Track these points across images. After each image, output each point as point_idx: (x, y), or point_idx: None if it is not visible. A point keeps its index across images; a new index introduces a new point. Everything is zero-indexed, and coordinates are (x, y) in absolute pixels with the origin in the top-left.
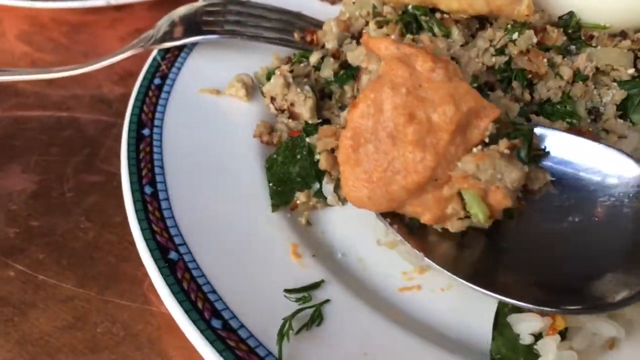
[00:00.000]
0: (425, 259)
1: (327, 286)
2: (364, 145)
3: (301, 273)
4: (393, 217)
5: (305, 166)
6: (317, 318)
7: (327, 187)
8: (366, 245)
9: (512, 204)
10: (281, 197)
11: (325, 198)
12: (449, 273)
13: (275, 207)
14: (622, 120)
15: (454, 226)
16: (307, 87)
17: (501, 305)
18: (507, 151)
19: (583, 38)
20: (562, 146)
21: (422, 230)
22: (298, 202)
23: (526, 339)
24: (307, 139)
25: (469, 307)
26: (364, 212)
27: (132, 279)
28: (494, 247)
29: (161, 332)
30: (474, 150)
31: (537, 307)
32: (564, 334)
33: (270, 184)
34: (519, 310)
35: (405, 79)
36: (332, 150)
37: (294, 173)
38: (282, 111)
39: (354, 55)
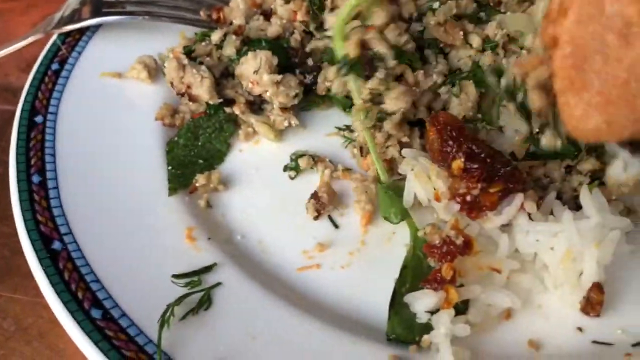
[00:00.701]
0: None
1: (220, 269)
2: (590, 59)
3: (194, 257)
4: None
5: (209, 147)
6: (205, 302)
7: None
8: (267, 226)
9: None
10: (180, 181)
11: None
12: None
13: (172, 190)
14: None
15: None
16: (203, 68)
17: (399, 285)
18: None
19: (492, 4)
20: None
21: None
22: (197, 184)
23: (423, 317)
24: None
25: (369, 286)
26: (266, 194)
27: (25, 272)
28: None
29: (53, 325)
30: None
31: None
32: (463, 309)
33: (170, 168)
34: (416, 289)
35: None
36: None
37: (196, 155)
38: (182, 94)
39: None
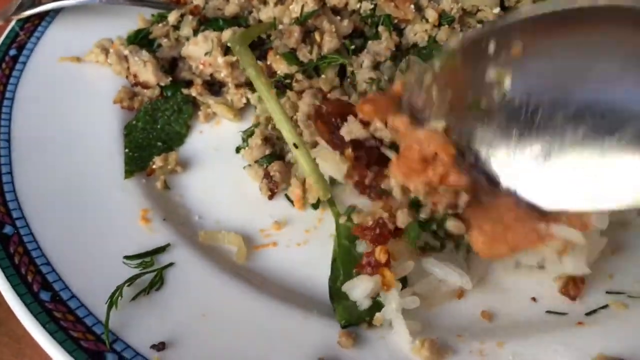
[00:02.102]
0: None
1: (173, 250)
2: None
3: (148, 238)
4: None
5: (168, 130)
6: (156, 283)
7: None
8: (225, 206)
9: None
10: (137, 163)
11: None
12: None
13: (128, 173)
14: None
15: None
16: (143, 53)
17: (332, 281)
18: None
19: None
20: None
21: None
22: (154, 167)
23: (364, 304)
24: None
25: (324, 263)
26: (226, 174)
27: None
28: None
29: (11, 312)
30: None
31: None
32: (405, 282)
33: (127, 150)
34: (350, 278)
35: None
36: None
37: (155, 137)
38: (136, 85)
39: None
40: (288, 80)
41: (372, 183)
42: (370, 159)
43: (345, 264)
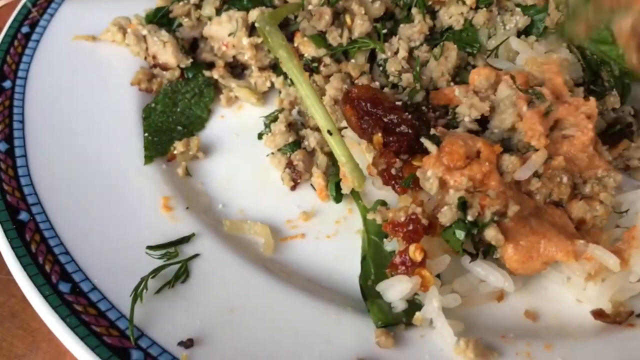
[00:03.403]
0: None
1: (198, 240)
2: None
3: (171, 228)
4: None
5: (189, 114)
6: (182, 275)
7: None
8: (250, 194)
9: None
10: (157, 148)
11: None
12: None
13: (148, 158)
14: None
15: None
16: (163, 32)
17: (363, 280)
18: None
19: None
20: None
21: None
22: (176, 152)
23: (399, 307)
24: None
25: (356, 256)
26: (249, 161)
27: None
28: None
29: (25, 304)
30: None
31: None
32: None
33: (146, 134)
34: (382, 277)
35: None
36: None
37: (175, 121)
38: (153, 66)
39: None
40: (315, 64)
41: (399, 173)
42: (400, 146)
43: (377, 262)
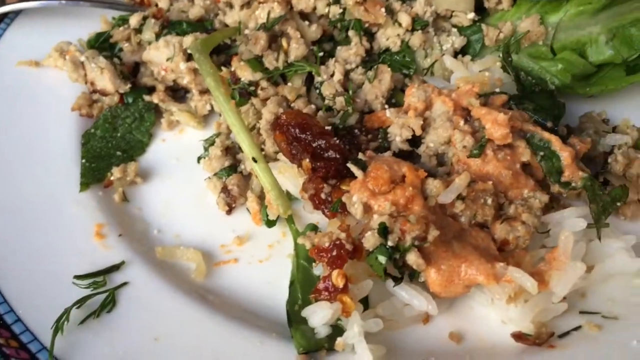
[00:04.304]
0: None
1: (128, 268)
2: None
3: (102, 256)
4: None
5: (129, 138)
6: (108, 304)
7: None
8: (186, 219)
9: None
10: (94, 175)
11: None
12: None
13: (84, 185)
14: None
15: None
16: (100, 59)
17: (290, 305)
18: None
19: None
20: None
21: None
22: (113, 178)
23: (322, 331)
24: None
25: (286, 281)
26: (188, 185)
27: None
28: None
29: None
30: None
31: None
32: (366, 303)
33: (83, 161)
34: (309, 302)
35: None
36: None
37: (114, 147)
38: (94, 92)
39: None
40: (252, 88)
41: (327, 197)
42: (328, 171)
43: (305, 287)
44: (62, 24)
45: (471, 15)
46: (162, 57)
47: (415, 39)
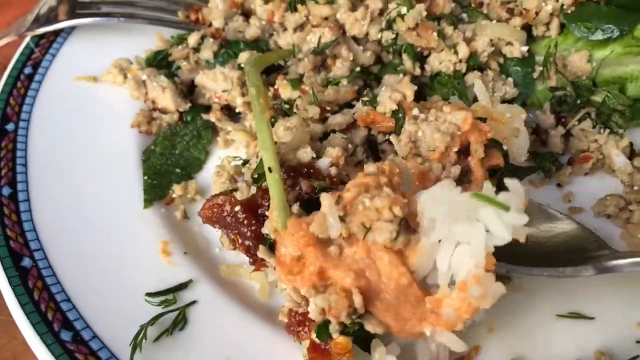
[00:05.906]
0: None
1: (195, 286)
2: None
3: (170, 273)
4: None
5: (187, 156)
6: (180, 322)
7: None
8: None
9: None
10: (156, 191)
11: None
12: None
13: (148, 202)
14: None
15: None
16: (162, 78)
17: None
18: None
19: (473, 5)
20: None
21: None
22: (174, 195)
23: None
24: None
25: None
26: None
27: None
28: None
29: (27, 347)
30: None
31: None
32: None
33: (145, 177)
34: None
35: None
36: None
37: (173, 164)
38: (154, 110)
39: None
40: (287, 106)
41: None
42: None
43: None
44: (116, 40)
45: (525, 48)
46: (217, 87)
47: (471, 77)
